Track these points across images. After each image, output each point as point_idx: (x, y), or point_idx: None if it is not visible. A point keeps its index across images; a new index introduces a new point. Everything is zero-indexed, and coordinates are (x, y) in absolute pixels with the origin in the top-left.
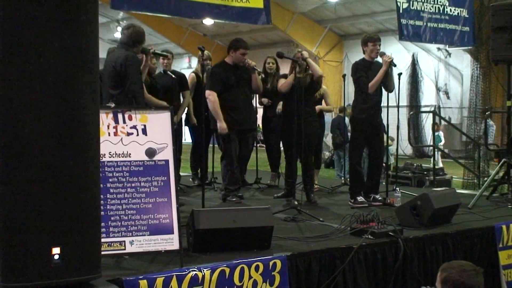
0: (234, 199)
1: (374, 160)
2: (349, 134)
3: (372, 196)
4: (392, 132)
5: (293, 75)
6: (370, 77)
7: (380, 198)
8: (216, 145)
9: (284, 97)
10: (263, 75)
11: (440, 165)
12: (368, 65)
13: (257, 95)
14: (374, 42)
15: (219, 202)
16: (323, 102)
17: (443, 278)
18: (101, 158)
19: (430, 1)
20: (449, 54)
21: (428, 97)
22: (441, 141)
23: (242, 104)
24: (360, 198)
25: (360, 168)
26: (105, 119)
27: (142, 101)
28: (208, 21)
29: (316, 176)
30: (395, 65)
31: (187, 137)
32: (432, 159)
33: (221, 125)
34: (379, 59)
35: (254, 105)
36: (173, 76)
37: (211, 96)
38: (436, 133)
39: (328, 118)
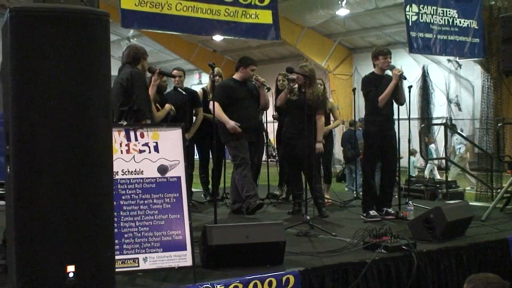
0: (258, 202)
1: (387, 173)
2: (360, 148)
3: (384, 210)
4: (404, 145)
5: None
6: (380, 90)
7: (392, 212)
8: (228, 160)
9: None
10: (271, 90)
11: (437, 176)
12: (378, 78)
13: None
14: (385, 55)
15: (232, 217)
16: (330, 116)
17: None
18: (114, 176)
19: (439, 13)
20: (460, 66)
21: (439, 109)
22: (432, 154)
23: (249, 118)
24: (373, 212)
25: (373, 182)
26: (118, 137)
27: (149, 114)
28: (217, 37)
29: (327, 191)
30: (405, 78)
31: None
32: (444, 171)
33: (230, 124)
34: (389, 72)
35: (265, 119)
36: (184, 93)
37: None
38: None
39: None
